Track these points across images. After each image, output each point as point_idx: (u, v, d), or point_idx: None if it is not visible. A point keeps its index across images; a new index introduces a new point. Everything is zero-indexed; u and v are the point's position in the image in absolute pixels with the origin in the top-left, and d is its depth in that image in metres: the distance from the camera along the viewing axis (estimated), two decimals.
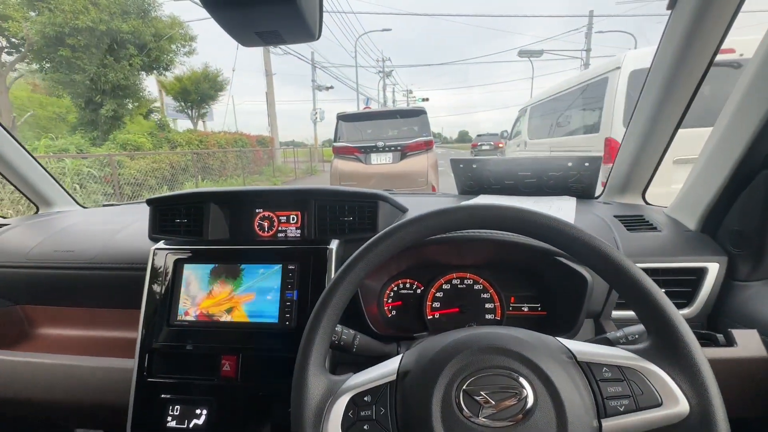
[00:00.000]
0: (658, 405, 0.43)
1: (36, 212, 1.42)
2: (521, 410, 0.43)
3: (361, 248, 0.53)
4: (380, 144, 5.35)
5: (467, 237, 0.80)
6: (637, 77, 3.52)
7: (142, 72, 11.93)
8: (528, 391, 0.44)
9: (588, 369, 0.46)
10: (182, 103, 17.38)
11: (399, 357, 0.52)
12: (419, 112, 5.85)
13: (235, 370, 0.76)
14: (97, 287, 0.98)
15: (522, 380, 0.44)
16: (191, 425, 0.75)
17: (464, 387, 0.45)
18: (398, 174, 5.26)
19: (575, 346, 0.49)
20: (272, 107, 17.47)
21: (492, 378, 0.45)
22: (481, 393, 0.44)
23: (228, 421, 0.75)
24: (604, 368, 0.46)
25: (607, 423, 0.43)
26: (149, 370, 0.79)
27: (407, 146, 5.34)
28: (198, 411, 0.76)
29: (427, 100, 32.93)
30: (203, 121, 19.26)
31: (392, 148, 5.35)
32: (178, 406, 0.77)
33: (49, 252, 1.01)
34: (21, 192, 1.36)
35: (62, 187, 1.45)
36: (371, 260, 0.53)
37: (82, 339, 1.03)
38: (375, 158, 5.38)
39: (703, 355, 0.43)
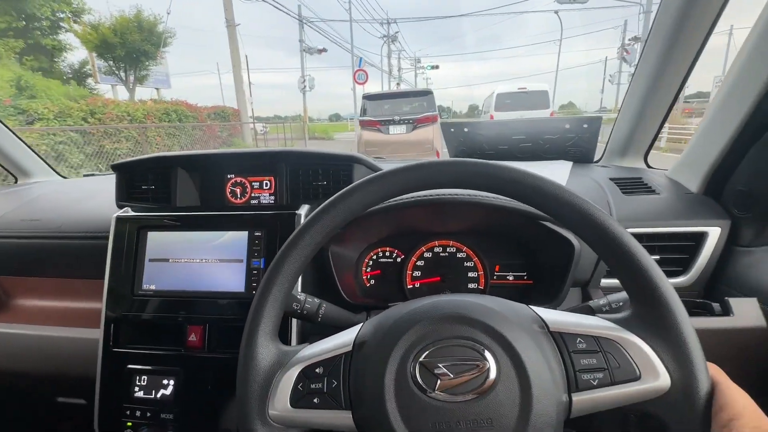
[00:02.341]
0: (636, 379, 0.39)
1: (15, 183, 1.38)
2: (482, 384, 0.38)
3: (315, 211, 0.48)
4: (396, 118, 6.66)
5: (448, 200, 0.74)
6: (499, 96, 9.88)
7: None
8: (491, 363, 0.39)
9: (561, 340, 0.41)
10: (110, 63, 12.27)
11: (358, 327, 0.47)
12: (427, 93, 7.41)
13: (201, 340, 0.73)
14: (66, 257, 0.94)
15: (485, 351, 0.40)
16: (159, 395, 0.73)
17: (421, 359, 0.40)
18: (411, 141, 6.54)
19: (549, 315, 0.44)
20: (237, 69, 12.88)
21: (452, 349, 0.40)
22: (439, 365, 0.40)
23: (195, 390, 0.73)
24: (579, 339, 0.41)
25: (578, 397, 0.39)
26: (115, 341, 0.77)
27: (418, 119, 6.61)
28: (165, 381, 0.74)
29: (437, 67, 31.46)
30: (157, 90, 14.75)
31: (406, 121, 6.65)
32: (145, 377, 0.74)
33: (15, 221, 0.97)
34: None
35: (40, 157, 1.40)
36: (326, 223, 0.48)
37: (57, 310, 1.00)
38: (393, 129, 6.69)
39: (690, 326, 0.38)
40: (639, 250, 0.40)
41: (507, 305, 0.45)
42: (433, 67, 31.48)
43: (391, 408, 0.39)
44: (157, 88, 15.16)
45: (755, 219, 0.68)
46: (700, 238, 0.72)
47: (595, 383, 0.39)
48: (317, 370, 0.43)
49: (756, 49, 0.64)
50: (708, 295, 0.73)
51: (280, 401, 0.42)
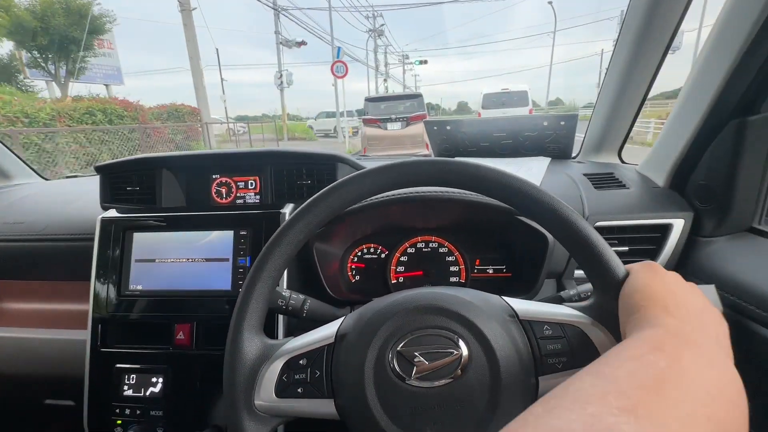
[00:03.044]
0: None
1: None
2: (455, 370, 0.41)
3: (297, 210, 0.50)
4: (393, 116, 8.26)
5: (429, 197, 0.77)
6: (485, 96, 11.76)
7: None
8: (463, 350, 0.42)
9: (529, 327, 0.44)
10: (33, 54, 10.10)
11: (340, 320, 0.50)
12: (417, 96, 9.16)
13: (189, 338, 0.75)
14: (51, 259, 0.94)
15: (458, 339, 0.43)
16: (148, 393, 0.75)
17: (398, 348, 0.43)
18: (405, 136, 8.04)
19: (519, 305, 0.47)
20: (195, 61, 10.61)
21: (428, 338, 0.43)
22: (416, 354, 0.43)
23: (184, 388, 0.74)
24: (546, 326, 0.44)
25: (544, 380, 0.42)
26: (102, 341, 0.78)
27: (410, 117, 8.17)
28: (154, 379, 0.75)
29: (425, 62, 30.68)
30: (106, 86, 12.18)
31: (401, 119, 8.20)
32: (134, 376, 0.76)
33: None
34: None
35: (20, 159, 1.38)
36: (309, 221, 0.49)
37: (43, 312, 1.00)
38: (390, 126, 8.26)
39: None
40: (599, 242, 0.43)
41: (480, 296, 0.47)
42: (421, 62, 30.75)
43: (371, 395, 0.42)
44: (106, 84, 12.72)
45: (715, 211, 0.72)
46: (666, 229, 0.76)
47: (559, 366, 0.42)
48: (301, 362, 0.46)
49: (716, 45, 0.67)
50: None
51: (266, 392, 0.45)
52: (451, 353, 0.42)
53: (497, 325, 0.44)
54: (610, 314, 0.42)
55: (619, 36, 0.93)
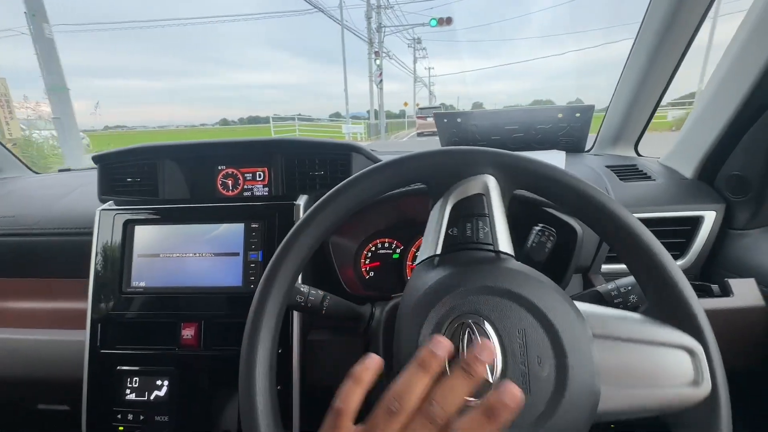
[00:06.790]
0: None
1: None
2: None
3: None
4: (427, 113, 18.21)
5: None
6: None
7: None
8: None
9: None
10: None
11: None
12: (440, 106, 25.50)
13: (196, 338, 0.70)
14: (45, 255, 0.89)
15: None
16: (152, 397, 0.70)
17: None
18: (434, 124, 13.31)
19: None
20: None
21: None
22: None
23: (192, 391, 0.70)
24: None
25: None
26: (103, 342, 0.73)
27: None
28: (159, 382, 0.70)
29: (449, 21, 18.71)
30: None
31: (430, 115, 17.52)
32: (137, 378, 0.71)
33: None
34: None
35: (10, 152, 1.32)
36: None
37: (37, 313, 0.95)
38: (429, 119, 16.74)
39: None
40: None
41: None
42: (440, 22, 18.83)
43: None
44: None
45: (749, 202, 0.69)
46: (696, 222, 0.73)
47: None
48: None
49: (751, 36, 0.65)
50: (704, 278, 0.75)
51: None
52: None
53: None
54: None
55: (641, 25, 0.90)
